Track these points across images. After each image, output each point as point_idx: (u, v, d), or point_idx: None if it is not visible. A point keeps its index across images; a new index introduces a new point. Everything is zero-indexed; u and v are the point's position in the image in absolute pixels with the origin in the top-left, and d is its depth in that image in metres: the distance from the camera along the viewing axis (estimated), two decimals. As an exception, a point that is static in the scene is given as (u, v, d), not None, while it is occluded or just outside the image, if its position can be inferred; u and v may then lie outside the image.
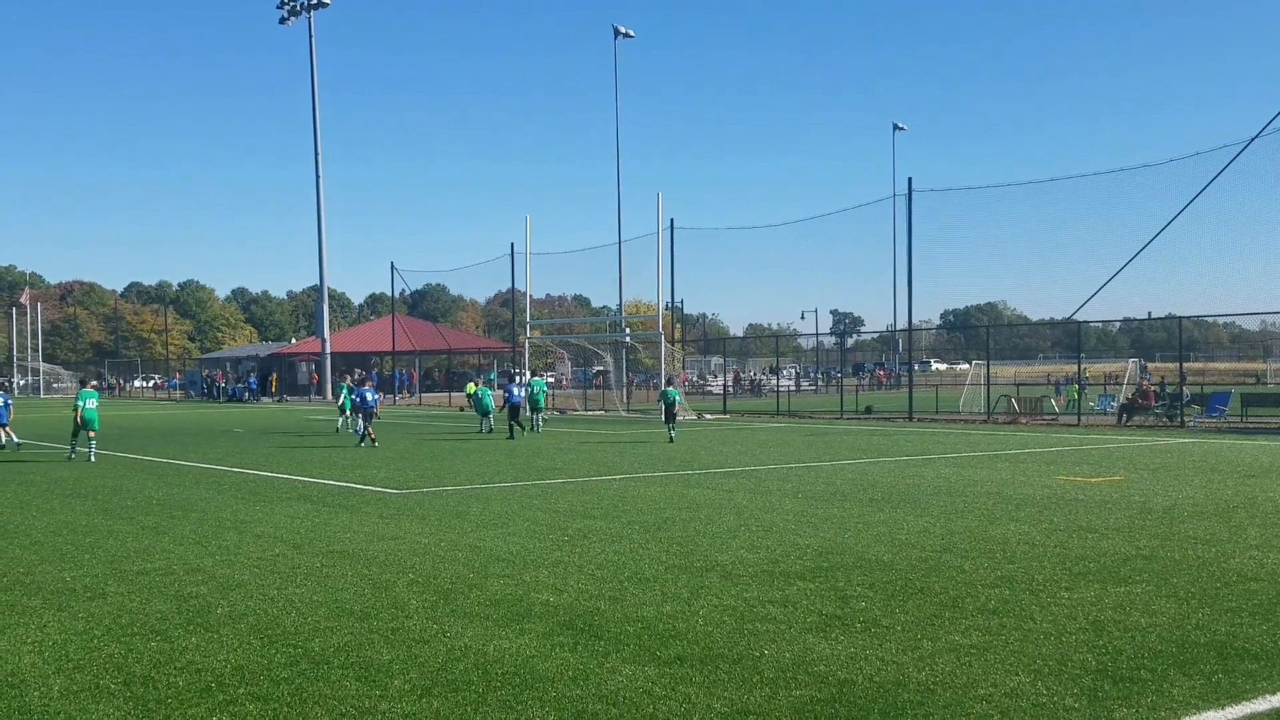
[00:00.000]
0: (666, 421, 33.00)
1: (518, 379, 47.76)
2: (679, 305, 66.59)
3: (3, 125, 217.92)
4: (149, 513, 16.39)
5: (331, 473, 22.62)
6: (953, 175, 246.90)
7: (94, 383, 34.44)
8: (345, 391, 38.23)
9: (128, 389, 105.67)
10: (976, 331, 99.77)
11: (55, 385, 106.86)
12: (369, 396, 32.01)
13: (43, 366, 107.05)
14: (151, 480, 21.30)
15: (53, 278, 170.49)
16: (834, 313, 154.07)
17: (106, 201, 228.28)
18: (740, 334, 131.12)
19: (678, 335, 67.49)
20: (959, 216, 59.52)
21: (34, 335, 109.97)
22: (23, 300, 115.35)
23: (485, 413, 37.27)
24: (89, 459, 26.34)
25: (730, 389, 70.62)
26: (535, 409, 39.36)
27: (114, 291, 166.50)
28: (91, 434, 26.62)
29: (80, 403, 27.04)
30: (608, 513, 15.96)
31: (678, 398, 35.02)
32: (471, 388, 48.23)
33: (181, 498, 18.26)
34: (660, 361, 50.14)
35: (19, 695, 7.39)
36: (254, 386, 79.60)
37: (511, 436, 33.64)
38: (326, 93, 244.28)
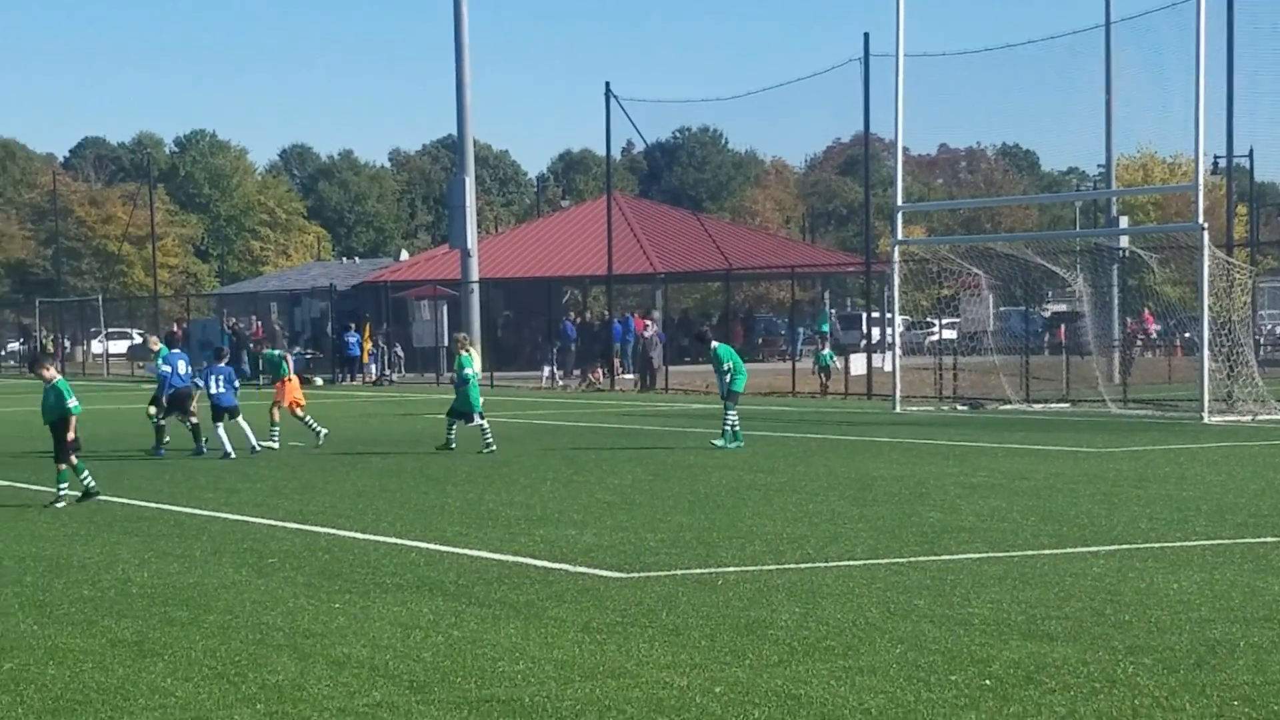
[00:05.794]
0: (724, 409, 19.21)
1: (221, 353, 21.53)
2: (1242, 163, 34.16)
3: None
4: (124, 614, 9.01)
5: (486, 533, 12.49)
6: None
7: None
8: (462, 364, 19.78)
9: (77, 357, 56.59)
10: None
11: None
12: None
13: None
14: (132, 546, 12.04)
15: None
16: None
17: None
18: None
19: (1241, 230, 36.72)
20: None
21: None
22: None
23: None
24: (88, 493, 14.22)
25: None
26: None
27: (49, 156, 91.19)
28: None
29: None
30: (1080, 627, 7.98)
31: (733, 361, 19.49)
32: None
33: (189, 582, 10.55)
34: (1200, 288, 23.32)
35: None
36: (353, 349, 42.46)
37: (155, 446, 19.09)
38: None
